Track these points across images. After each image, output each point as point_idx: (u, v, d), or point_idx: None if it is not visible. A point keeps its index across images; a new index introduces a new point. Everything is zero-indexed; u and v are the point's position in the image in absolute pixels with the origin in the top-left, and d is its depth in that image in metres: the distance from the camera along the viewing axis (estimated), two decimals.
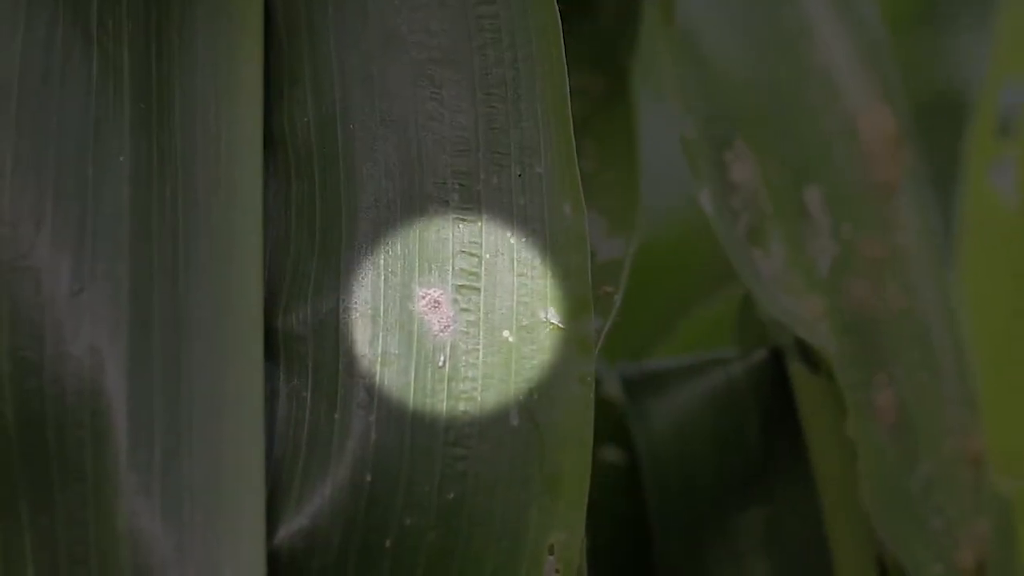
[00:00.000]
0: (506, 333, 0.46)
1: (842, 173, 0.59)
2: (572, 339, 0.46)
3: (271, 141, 0.49)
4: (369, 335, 0.46)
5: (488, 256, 0.46)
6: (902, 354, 0.58)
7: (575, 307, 0.46)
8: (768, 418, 0.61)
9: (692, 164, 0.54)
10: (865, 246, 0.58)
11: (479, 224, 0.46)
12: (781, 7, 0.60)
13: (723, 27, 0.58)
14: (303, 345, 0.46)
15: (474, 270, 0.46)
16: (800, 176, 0.58)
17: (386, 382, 0.45)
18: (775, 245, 0.56)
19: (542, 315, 0.46)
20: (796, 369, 0.57)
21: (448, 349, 0.46)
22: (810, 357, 0.57)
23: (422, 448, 0.45)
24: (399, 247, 0.46)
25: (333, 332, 0.46)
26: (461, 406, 0.45)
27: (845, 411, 0.55)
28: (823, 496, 0.57)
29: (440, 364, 0.46)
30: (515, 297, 0.46)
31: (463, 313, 0.46)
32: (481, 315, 0.46)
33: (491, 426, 0.45)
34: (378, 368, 0.45)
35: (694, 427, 0.61)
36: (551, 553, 0.45)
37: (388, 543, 0.45)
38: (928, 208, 0.62)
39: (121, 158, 0.45)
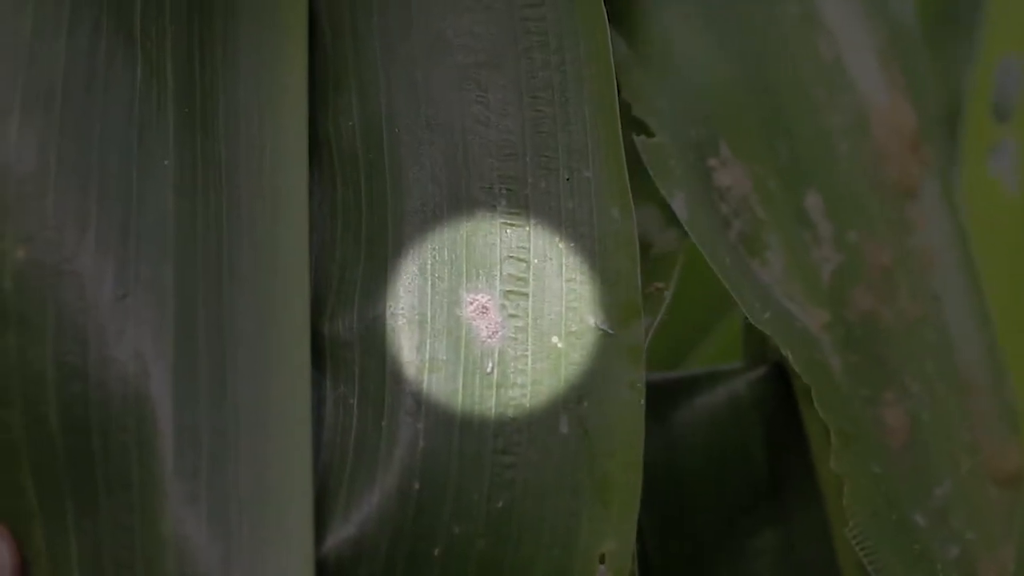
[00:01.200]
0: (555, 339, 0.45)
1: (848, 175, 0.56)
2: (621, 345, 0.45)
3: (316, 147, 0.48)
4: (416, 341, 0.45)
5: (536, 261, 0.46)
6: (916, 367, 0.56)
7: (624, 312, 0.46)
8: (773, 435, 0.59)
9: (658, 169, 0.51)
10: (872, 253, 0.56)
11: (527, 229, 0.46)
12: (782, 1, 0.57)
13: (700, 28, 0.55)
14: (350, 352, 0.46)
15: (522, 275, 0.46)
16: (799, 180, 0.56)
17: (434, 389, 0.45)
18: (772, 254, 0.54)
19: (591, 321, 0.45)
20: (800, 385, 0.55)
21: (496, 355, 0.45)
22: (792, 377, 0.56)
23: (471, 455, 0.44)
24: (446, 252, 0.46)
25: (380, 338, 0.45)
26: (510, 413, 0.45)
27: (842, 438, 0.52)
28: (831, 515, 0.56)
29: (488, 370, 0.45)
30: (564, 302, 0.46)
31: (511, 319, 0.45)
32: (529, 321, 0.45)
33: (540, 433, 0.45)
34: (426, 374, 0.45)
35: (693, 443, 0.59)
36: (602, 562, 0.45)
37: (436, 551, 0.44)
38: (955, 209, 0.59)
39: (165, 163, 0.45)
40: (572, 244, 0.46)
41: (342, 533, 0.45)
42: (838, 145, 0.56)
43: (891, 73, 0.58)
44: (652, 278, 0.50)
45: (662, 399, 0.58)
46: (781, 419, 0.57)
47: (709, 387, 0.59)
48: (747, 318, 0.52)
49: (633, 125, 0.52)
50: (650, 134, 0.51)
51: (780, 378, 0.57)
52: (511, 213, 0.46)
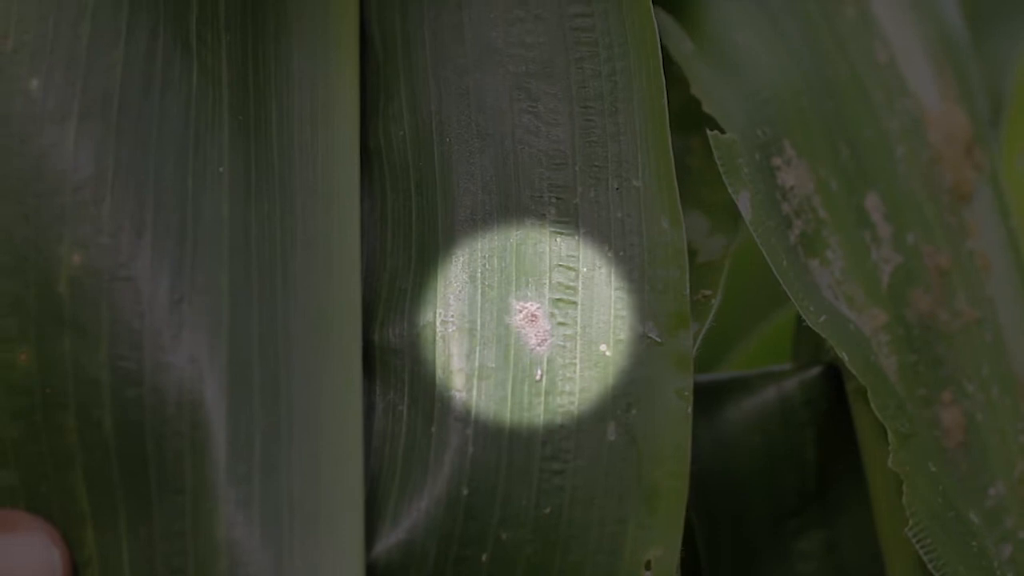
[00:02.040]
0: (603, 347, 0.46)
1: (906, 178, 0.57)
2: (669, 353, 0.46)
3: (367, 155, 0.49)
4: (466, 349, 0.46)
5: (585, 270, 0.46)
6: (972, 369, 0.56)
7: (672, 321, 0.46)
8: (824, 437, 0.58)
9: (727, 166, 0.51)
10: (930, 255, 0.56)
11: (576, 238, 0.46)
12: (838, 3, 0.58)
13: (763, 31, 0.56)
14: (399, 359, 0.46)
15: (571, 284, 0.46)
16: (860, 182, 0.56)
17: (483, 396, 0.45)
18: (832, 254, 0.54)
19: (639, 329, 0.46)
20: (853, 386, 0.55)
21: (545, 363, 0.45)
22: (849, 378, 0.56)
23: (519, 462, 0.45)
24: (496, 260, 0.46)
25: (430, 345, 0.46)
26: (558, 420, 0.45)
27: (900, 438, 0.52)
28: (878, 521, 0.55)
29: (537, 378, 0.45)
30: (612, 311, 0.46)
31: (560, 327, 0.46)
32: (578, 329, 0.46)
33: (588, 440, 0.45)
34: (475, 382, 0.45)
35: (743, 445, 0.58)
36: (648, 568, 0.45)
37: (484, 557, 0.45)
38: (1007, 214, 0.59)
39: (220, 169, 0.46)
40: (621, 253, 0.46)
41: (392, 538, 0.45)
42: (896, 148, 0.57)
43: (944, 78, 0.58)
44: (699, 285, 0.50)
45: (712, 399, 0.58)
46: (832, 420, 0.57)
47: (760, 388, 0.58)
48: (800, 320, 0.52)
49: (705, 121, 0.52)
50: (721, 131, 0.52)
51: (831, 379, 0.57)
52: (560, 222, 0.46)
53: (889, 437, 0.51)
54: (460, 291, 0.46)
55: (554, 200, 0.47)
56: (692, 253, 0.52)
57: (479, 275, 0.46)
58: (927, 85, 0.58)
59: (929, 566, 0.50)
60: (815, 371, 0.58)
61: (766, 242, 0.51)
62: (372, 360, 0.47)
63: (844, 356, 0.51)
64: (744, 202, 0.51)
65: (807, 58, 0.56)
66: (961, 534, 0.51)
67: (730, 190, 0.50)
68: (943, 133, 0.57)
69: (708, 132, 0.51)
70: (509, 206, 0.47)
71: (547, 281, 0.46)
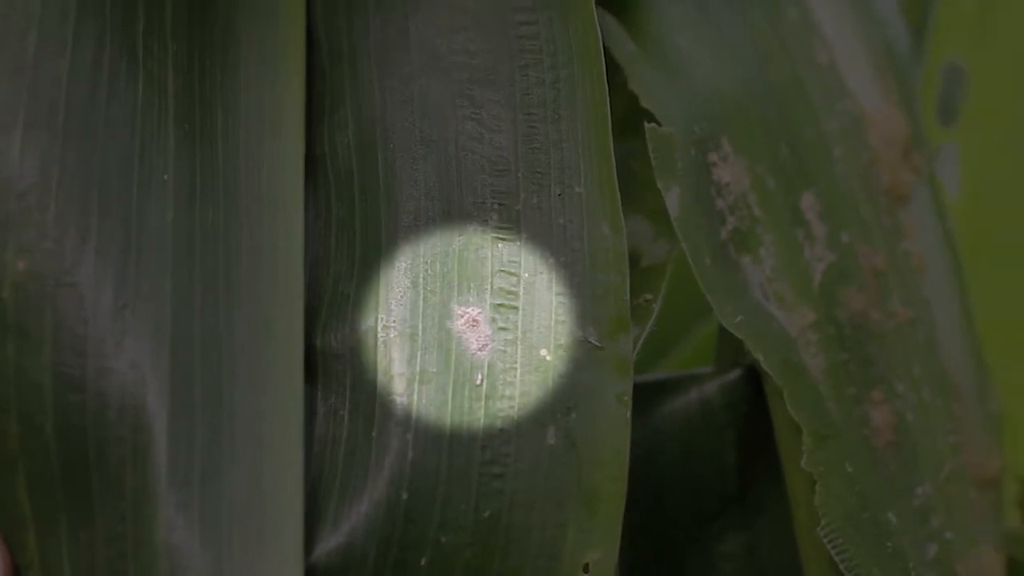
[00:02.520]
0: (544, 352, 0.46)
1: (845, 178, 0.57)
2: (609, 358, 0.46)
3: (313, 162, 0.49)
4: (407, 353, 0.46)
5: (527, 275, 0.46)
6: (904, 369, 0.56)
7: (613, 326, 0.46)
8: (744, 439, 0.58)
9: (661, 160, 0.51)
10: (865, 255, 0.56)
11: (518, 243, 0.47)
12: (780, 6, 0.58)
13: (705, 32, 0.56)
14: (341, 364, 0.47)
15: (513, 289, 0.46)
16: (797, 180, 0.56)
17: (424, 400, 0.46)
18: (765, 251, 0.54)
19: (580, 334, 0.46)
20: (771, 387, 0.55)
21: (486, 368, 0.46)
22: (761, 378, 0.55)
23: (459, 466, 0.45)
24: (438, 266, 0.47)
25: (371, 351, 0.46)
26: (498, 424, 0.45)
27: (816, 438, 0.52)
28: (796, 522, 0.55)
29: (478, 382, 0.46)
30: (553, 316, 0.46)
31: (501, 332, 0.46)
32: (519, 334, 0.46)
33: (528, 445, 0.45)
34: (416, 386, 0.46)
35: (663, 448, 0.58)
36: (586, 572, 0.45)
37: (424, 561, 0.45)
38: (944, 216, 0.59)
39: (165, 177, 0.46)
40: (563, 259, 0.47)
41: (331, 542, 0.45)
42: (834, 148, 0.56)
43: (884, 81, 0.58)
44: (641, 289, 0.51)
45: (633, 402, 0.58)
46: (752, 423, 0.57)
47: (680, 391, 0.59)
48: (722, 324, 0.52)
49: (642, 115, 0.52)
50: (659, 125, 0.52)
51: (752, 382, 0.57)
52: (503, 228, 0.47)
53: (804, 437, 0.51)
54: (402, 296, 0.47)
55: (496, 206, 0.47)
56: (636, 258, 0.53)
57: (421, 280, 0.47)
58: (867, 87, 0.58)
59: (841, 566, 0.50)
60: (735, 374, 0.58)
61: (689, 239, 0.51)
62: (314, 365, 0.47)
63: (760, 356, 0.51)
64: (673, 198, 0.51)
65: (748, 58, 0.56)
66: (876, 535, 0.51)
67: (660, 185, 0.51)
68: (882, 135, 0.57)
69: (646, 125, 0.51)
70: (452, 212, 0.47)
71: (489, 286, 0.46)
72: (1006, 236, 0.62)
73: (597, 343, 0.46)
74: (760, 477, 0.57)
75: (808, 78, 0.57)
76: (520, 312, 0.46)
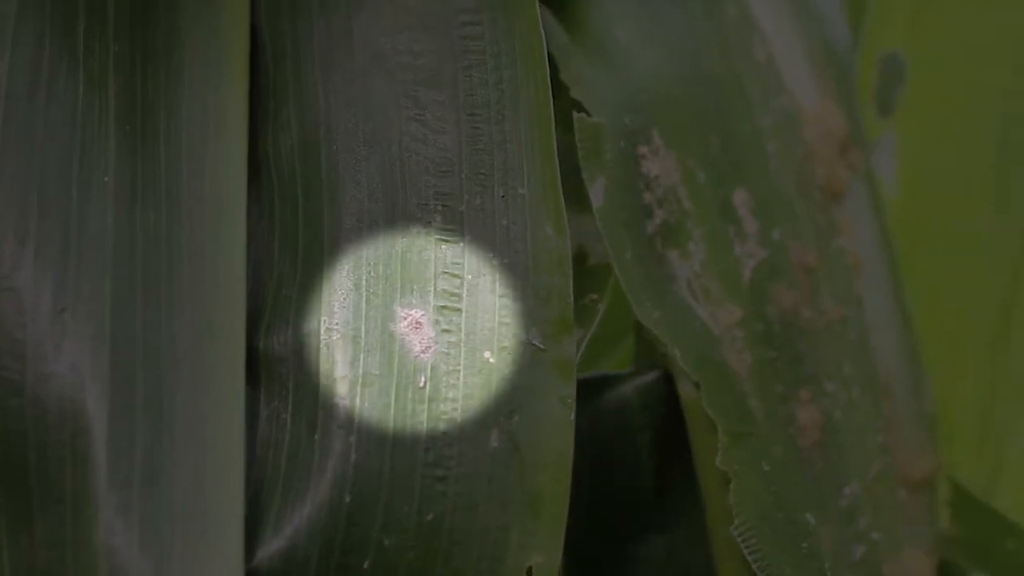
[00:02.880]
0: (487, 354, 0.46)
1: (777, 174, 0.57)
2: (552, 360, 0.46)
3: (256, 164, 0.49)
4: (350, 356, 0.46)
5: (470, 277, 0.46)
6: (833, 368, 0.56)
7: (556, 328, 0.46)
8: (661, 441, 0.58)
9: (588, 150, 0.51)
10: (797, 252, 0.56)
11: (461, 245, 0.47)
12: (720, 1, 0.58)
13: (643, 25, 0.56)
14: (284, 367, 0.46)
15: (456, 291, 0.46)
16: (729, 176, 0.56)
17: (366, 403, 0.45)
18: (694, 246, 0.54)
19: (523, 336, 0.46)
20: (686, 391, 0.55)
21: (429, 370, 0.46)
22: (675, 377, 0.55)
23: (402, 469, 0.45)
24: (381, 268, 0.47)
25: (314, 353, 0.46)
26: (441, 427, 0.45)
27: (732, 436, 0.52)
28: (711, 519, 0.55)
29: (420, 385, 0.46)
30: (496, 318, 0.46)
31: (444, 334, 0.46)
32: (462, 336, 0.46)
33: (471, 447, 0.45)
34: (359, 389, 0.46)
35: (579, 451, 0.57)
36: (529, 575, 0.45)
37: (366, 564, 0.45)
38: (882, 214, 0.59)
39: (106, 179, 0.46)
40: (506, 260, 0.46)
41: (273, 545, 0.45)
42: (769, 144, 0.57)
43: (823, 78, 0.58)
44: (587, 289, 0.51)
45: None
46: (670, 425, 0.56)
47: (598, 392, 0.59)
48: (639, 324, 0.52)
49: (572, 105, 0.52)
50: (588, 115, 0.51)
51: (669, 383, 0.57)
52: (446, 229, 0.47)
53: (719, 435, 0.51)
54: (345, 298, 0.46)
55: (440, 208, 0.47)
56: (582, 256, 0.53)
57: (364, 282, 0.46)
58: (805, 84, 0.58)
59: (754, 566, 0.50)
60: (652, 376, 0.58)
61: (611, 231, 0.51)
62: (257, 368, 0.47)
63: (676, 352, 0.51)
64: (597, 189, 0.51)
65: (685, 52, 0.56)
66: (791, 535, 0.51)
67: (584, 175, 0.51)
68: (818, 131, 0.57)
69: (575, 115, 0.51)
70: (395, 213, 0.47)
71: (432, 288, 0.46)
72: (940, 226, 0.62)
73: (540, 345, 0.46)
74: (678, 479, 0.57)
75: (745, 74, 0.57)
76: (463, 314, 0.46)
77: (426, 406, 0.46)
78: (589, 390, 0.58)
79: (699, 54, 0.56)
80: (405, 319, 0.46)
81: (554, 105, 0.48)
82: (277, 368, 0.47)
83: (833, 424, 0.55)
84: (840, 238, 0.57)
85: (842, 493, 0.54)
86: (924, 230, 0.61)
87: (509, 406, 0.46)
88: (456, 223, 0.47)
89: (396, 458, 0.45)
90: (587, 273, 0.52)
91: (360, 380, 0.46)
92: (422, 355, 0.46)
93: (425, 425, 0.45)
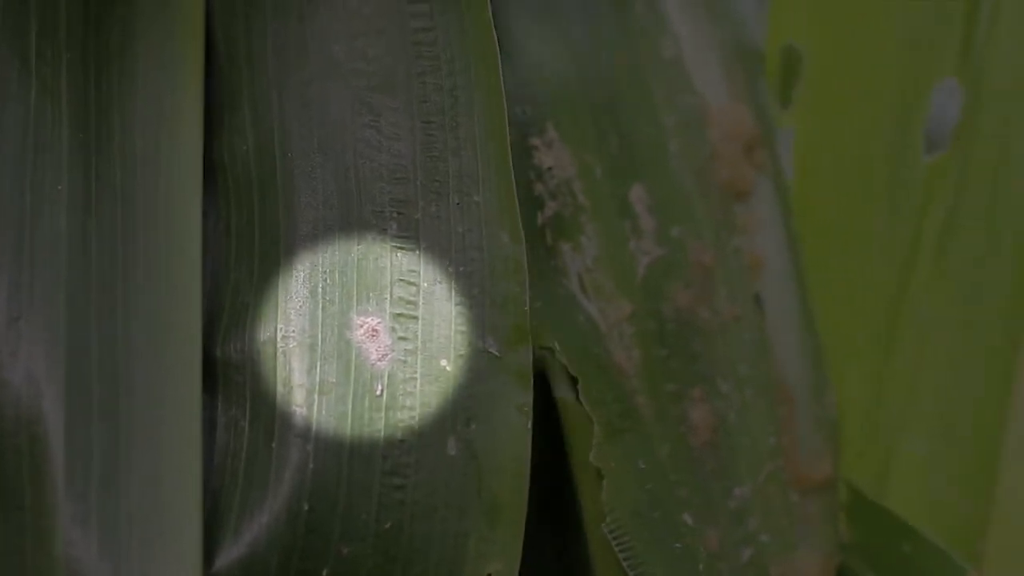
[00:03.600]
0: (444, 362, 0.46)
1: (679, 173, 0.57)
2: (509, 368, 0.46)
3: (211, 170, 0.48)
4: (307, 364, 0.46)
5: (426, 285, 0.46)
6: (728, 368, 0.56)
7: (512, 336, 0.46)
8: (536, 440, 0.57)
9: None
10: (695, 250, 0.56)
11: (417, 253, 0.47)
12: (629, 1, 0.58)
13: (543, 19, 0.55)
14: (241, 374, 0.46)
15: (412, 299, 0.46)
16: (627, 172, 0.56)
17: (323, 411, 0.45)
18: (587, 240, 0.54)
19: (480, 344, 0.46)
20: (561, 393, 0.54)
21: (386, 378, 0.46)
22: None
23: (359, 477, 0.45)
24: (337, 275, 0.46)
25: (271, 361, 0.46)
26: (399, 435, 0.45)
27: (608, 432, 0.52)
28: (585, 520, 0.54)
29: (378, 393, 0.46)
30: (453, 326, 0.46)
31: (401, 341, 0.46)
32: (419, 344, 0.46)
33: (429, 455, 0.45)
34: (316, 397, 0.45)
35: None
36: None
37: (325, 572, 0.45)
38: (790, 215, 0.59)
39: (59, 186, 0.45)
40: (462, 268, 0.47)
41: (232, 553, 0.45)
42: (671, 142, 0.57)
43: (733, 78, 0.59)
44: None
45: None
46: (548, 423, 0.55)
47: None
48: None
49: None
50: None
51: (546, 382, 0.55)
52: (402, 237, 0.47)
53: (595, 430, 0.51)
54: (301, 306, 0.46)
55: (395, 215, 0.47)
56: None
57: (320, 290, 0.46)
58: (715, 84, 0.58)
59: (624, 564, 0.50)
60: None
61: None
62: (215, 375, 0.47)
63: (555, 344, 0.51)
64: None
65: (585, 47, 0.56)
66: (666, 535, 0.51)
67: None
68: (723, 131, 0.57)
69: None
70: (351, 220, 0.47)
71: (388, 296, 0.46)
72: (831, 223, 0.63)
73: (497, 353, 0.46)
74: (562, 479, 0.56)
75: (649, 71, 0.57)
76: (420, 322, 0.46)
77: (383, 414, 0.46)
78: None
79: (599, 49, 0.56)
80: (362, 327, 0.46)
81: None
82: (234, 375, 0.46)
83: (726, 425, 0.55)
84: (739, 238, 0.57)
85: (732, 494, 0.55)
86: (815, 227, 0.62)
87: (466, 414, 0.46)
88: (412, 230, 0.47)
89: (354, 466, 0.45)
90: None
91: (317, 388, 0.46)
92: (379, 363, 0.46)
93: (383, 433, 0.45)
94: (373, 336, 0.46)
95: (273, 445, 0.45)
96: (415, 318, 0.46)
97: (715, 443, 0.55)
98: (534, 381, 0.49)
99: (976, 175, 0.60)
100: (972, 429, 0.59)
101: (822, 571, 0.56)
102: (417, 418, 0.46)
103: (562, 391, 0.52)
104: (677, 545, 0.52)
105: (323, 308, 0.46)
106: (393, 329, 0.46)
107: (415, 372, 0.46)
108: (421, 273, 0.47)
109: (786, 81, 0.62)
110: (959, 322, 0.60)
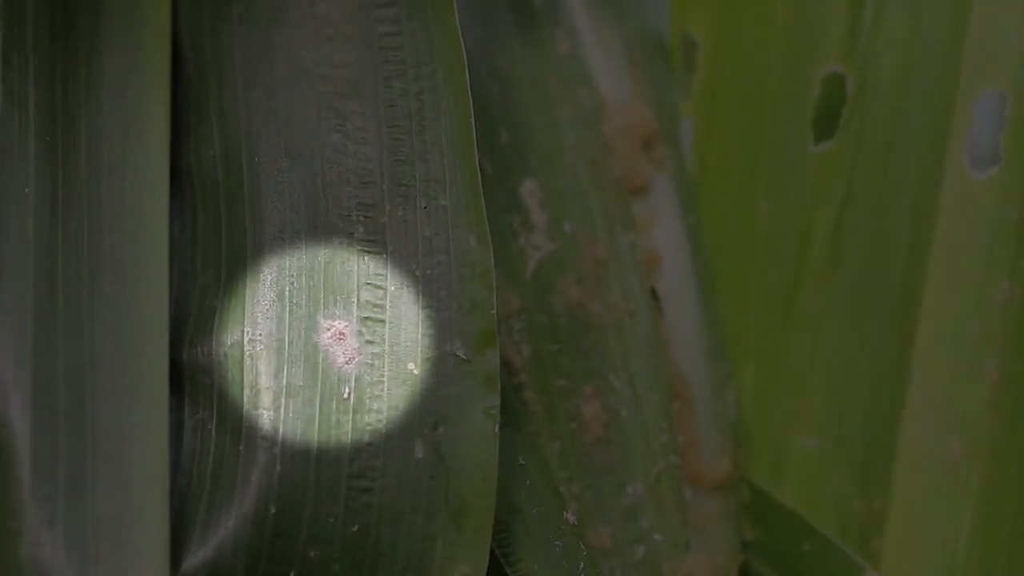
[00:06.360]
0: (411, 365, 0.46)
1: (573, 167, 0.57)
2: (476, 372, 0.46)
3: (178, 175, 0.48)
4: (274, 367, 0.46)
5: (393, 288, 0.46)
6: (621, 364, 0.56)
7: (480, 340, 0.47)
8: None
9: None
10: (588, 245, 0.56)
11: (384, 256, 0.47)
12: None
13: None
14: (208, 378, 0.46)
15: (379, 302, 0.46)
16: (517, 166, 0.56)
17: (291, 414, 0.45)
18: None
19: (447, 348, 0.46)
20: None
21: (353, 381, 0.46)
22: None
23: (327, 480, 0.45)
24: (304, 279, 0.46)
25: (238, 364, 0.46)
26: (366, 438, 0.46)
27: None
28: None
29: (345, 396, 0.46)
30: (420, 329, 0.46)
31: (368, 345, 0.46)
32: (386, 347, 0.46)
33: (396, 458, 0.46)
34: (283, 400, 0.46)
35: None
36: None
37: (292, 575, 0.45)
38: (692, 211, 0.60)
39: (26, 190, 0.45)
40: (429, 272, 0.47)
41: (199, 556, 0.45)
42: (565, 136, 0.57)
43: (635, 74, 0.59)
44: None
45: None
46: None
47: None
48: None
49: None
50: None
51: None
52: (368, 240, 0.47)
53: None
54: (268, 309, 0.46)
55: (362, 219, 0.47)
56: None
57: (287, 293, 0.46)
58: (615, 79, 0.58)
59: (502, 560, 0.50)
60: None
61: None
62: (182, 379, 0.47)
63: None
64: None
65: (473, 44, 0.56)
66: (544, 533, 0.51)
67: None
68: (619, 126, 0.57)
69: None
70: (317, 225, 0.47)
71: (355, 299, 0.46)
72: (724, 217, 0.62)
73: (464, 357, 0.46)
74: None
75: (543, 65, 0.57)
76: (387, 325, 0.46)
77: (350, 417, 0.46)
78: None
79: (488, 46, 0.56)
80: (329, 330, 0.46)
81: None
82: (201, 379, 0.46)
83: (618, 421, 0.55)
84: (634, 233, 0.57)
85: (624, 491, 0.55)
86: (710, 219, 0.61)
87: (433, 417, 0.46)
88: (378, 234, 0.47)
89: (321, 469, 0.45)
90: None
91: (284, 391, 0.46)
92: (346, 366, 0.46)
93: (350, 436, 0.45)
94: (340, 339, 0.46)
95: (240, 448, 0.45)
96: (382, 321, 0.46)
97: (607, 439, 0.55)
98: None
99: (866, 165, 0.59)
100: (865, 426, 0.58)
101: (717, 571, 0.56)
102: (384, 421, 0.46)
103: None
104: (557, 543, 0.51)
105: (290, 311, 0.46)
106: (360, 332, 0.46)
107: (382, 375, 0.46)
108: (388, 277, 0.47)
109: (685, 71, 0.62)
110: (852, 315, 0.59)
